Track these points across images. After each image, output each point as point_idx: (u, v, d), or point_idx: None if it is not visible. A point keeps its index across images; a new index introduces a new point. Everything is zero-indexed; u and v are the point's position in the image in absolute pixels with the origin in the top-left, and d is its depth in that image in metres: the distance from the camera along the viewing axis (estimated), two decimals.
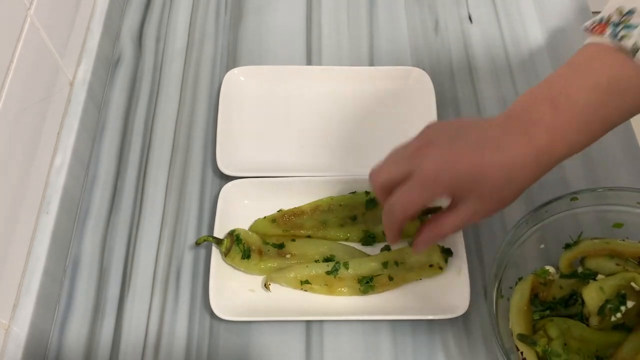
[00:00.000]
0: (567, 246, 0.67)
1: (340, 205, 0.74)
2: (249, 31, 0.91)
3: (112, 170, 0.79)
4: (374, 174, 0.62)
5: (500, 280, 0.63)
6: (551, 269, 0.67)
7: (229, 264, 0.70)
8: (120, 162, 0.80)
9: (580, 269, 0.67)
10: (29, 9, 0.68)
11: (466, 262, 0.69)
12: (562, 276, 0.67)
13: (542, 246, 0.67)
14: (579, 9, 0.92)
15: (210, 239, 0.70)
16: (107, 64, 0.87)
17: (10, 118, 0.64)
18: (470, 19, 0.91)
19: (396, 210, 0.60)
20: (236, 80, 0.83)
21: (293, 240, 0.73)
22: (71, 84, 0.79)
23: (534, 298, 0.66)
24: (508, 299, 0.64)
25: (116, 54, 0.89)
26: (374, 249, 0.73)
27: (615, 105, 0.55)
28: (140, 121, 0.83)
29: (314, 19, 0.92)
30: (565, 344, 0.61)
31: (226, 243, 0.70)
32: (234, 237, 0.70)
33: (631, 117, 0.58)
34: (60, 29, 0.76)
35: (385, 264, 0.69)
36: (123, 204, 0.77)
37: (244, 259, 0.70)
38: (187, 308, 0.70)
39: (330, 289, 0.69)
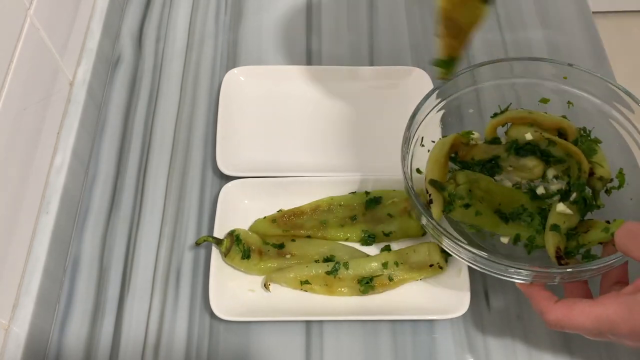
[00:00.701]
0: (495, 115, 0.72)
1: (340, 205, 0.74)
2: (249, 31, 0.91)
3: (112, 170, 0.79)
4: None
5: (422, 136, 0.68)
6: (476, 134, 0.72)
7: (228, 264, 0.70)
8: (120, 162, 0.80)
9: (504, 140, 0.72)
10: (28, 9, 0.68)
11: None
12: (486, 142, 0.72)
13: (471, 111, 0.73)
14: (579, 9, 0.92)
15: (210, 239, 0.70)
16: (107, 64, 0.87)
17: (10, 118, 0.64)
18: None
19: (570, 325, 0.56)
20: (236, 80, 0.83)
21: (293, 240, 0.73)
22: (71, 84, 0.79)
23: (455, 156, 0.71)
24: (428, 150, 0.69)
25: (116, 54, 0.89)
26: (374, 249, 0.73)
27: None
28: (140, 121, 0.83)
29: (314, 19, 0.92)
30: (470, 191, 0.66)
31: (226, 243, 0.70)
32: (234, 237, 0.70)
33: None
34: (60, 29, 0.76)
35: (385, 264, 0.69)
36: (123, 204, 0.77)
37: (243, 259, 0.70)
38: (187, 308, 0.70)
39: (330, 289, 0.69)
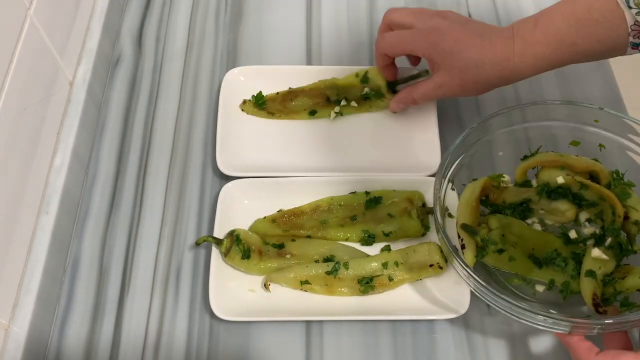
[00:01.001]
0: (525, 157, 0.72)
1: (340, 205, 0.74)
2: (249, 31, 0.91)
3: (112, 170, 0.79)
4: (390, 9, 0.75)
5: (453, 178, 0.69)
6: (506, 177, 0.72)
7: (229, 264, 0.70)
8: (120, 162, 0.80)
9: (534, 182, 0.71)
10: (28, 9, 0.68)
11: None
12: (517, 185, 0.72)
13: (501, 153, 0.73)
14: None
15: (210, 239, 0.70)
16: (107, 64, 0.87)
17: (10, 118, 0.64)
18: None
19: (383, 42, 0.74)
20: (236, 80, 0.83)
21: (293, 240, 0.73)
22: (71, 84, 0.79)
23: (485, 199, 0.70)
24: (459, 194, 0.69)
25: (116, 53, 0.89)
26: (374, 249, 0.73)
27: (586, 33, 0.63)
28: (140, 121, 0.83)
29: (314, 19, 0.92)
30: (503, 236, 0.66)
31: (226, 243, 0.70)
32: (234, 237, 0.70)
33: (602, 53, 0.65)
34: (60, 29, 0.76)
35: (385, 264, 0.69)
36: (123, 204, 0.77)
37: (243, 259, 0.70)
38: (187, 308, 0.70)
39: (330, 289, 0.69)
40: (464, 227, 0.66)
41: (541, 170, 0.71)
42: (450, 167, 0.68)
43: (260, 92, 0.82)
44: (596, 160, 0.70)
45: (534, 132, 0.73)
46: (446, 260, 0.69)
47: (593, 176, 0.70)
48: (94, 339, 0.69)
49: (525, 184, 0.71)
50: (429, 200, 0.74)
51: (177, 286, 0.71)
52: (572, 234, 0.68)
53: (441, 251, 0.69)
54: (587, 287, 0.62)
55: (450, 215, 0.68)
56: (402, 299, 0.69)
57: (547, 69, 0.67)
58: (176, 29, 0.91)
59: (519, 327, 0.68)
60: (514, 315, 0.60)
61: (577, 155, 0.70)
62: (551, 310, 0.57)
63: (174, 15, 0.92)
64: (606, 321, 0.57)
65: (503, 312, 0.61)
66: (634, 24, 0.61)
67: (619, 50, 0.64)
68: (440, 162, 0.68)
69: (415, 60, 0.79)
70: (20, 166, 0.66)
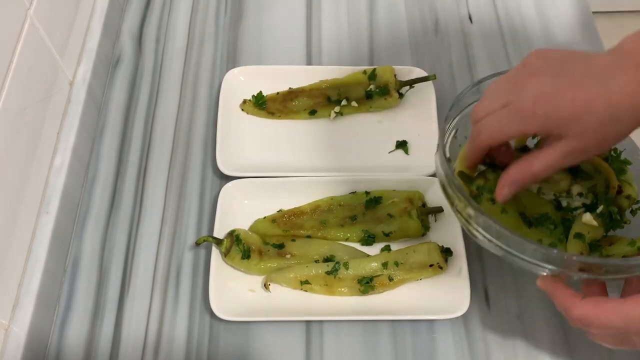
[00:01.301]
0: None
1: (340, 205, 0.74)
2: (249, 31, 0.91)
3: (112, 170, 0.79)
4: (476, 107, 0.59)
5: (457, 128, 0.67)
6: None
7: (229, 264, 0.70)
8: (120, 162, 0.80)
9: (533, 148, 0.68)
10: (28, 9, 0.68)
11: (466, 262, 0.69)
12: (515, 149, 0.68)
13: None
14: (579, 9, 0.92)
15: (210, 239, 0.70)
16: (107, 64, 0.87)
17: (10, 118, 0.64)
18: (470, 18, 0.91)
19: (483, 133, 0.58)
20: (236, 80, 0.83)
21: (293, 240, 0.73)
22: (71, 84, 0.79)
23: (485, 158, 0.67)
24: (460, 145, 0.67)
25: (116, 54, 0.89)
26: (374, 249, 0.73)
27: None
28: (140, 121, 0.83)
29: (314, 19, 0.92)
30: None
31: (226, 243, 0.70)
32: (234, 237, 0.70)
33: None
34: (60, 29, 0.76)
35: (385, 264, 0.69)
36: (123, 204, 0.77)
37: (243, 259, 0.70)
38: (187, 308, 0.70)
39: (330, 289, 0.69)
40: (461, 174, 0.66)
41: (541, 138, 0.69)
42: (456, 115, 0.67)
43: (260, 92, 0.82)
44: None
45: None
46: (446, 260, 0.69)
47: None
48: (94, 339, 0.69)
49: (524, 149, 0.70)
50: (429, 200, 0.74)
51: (177, 286, 0.71)
52: (564, 203, 0.68)
53: (441, 251, 0.69)
54: (575, 247, 0.63)
55: (449, 160, 0.66)
56: (402, 299, 0.69)
57: None
58: (176, 29, 0.91)
59: (519, 327, 0.68)
60: (505, 248, 0.58)
61: None
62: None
63: (174, 15, 0.92)
64: (601, 260, 0.57)
65: (494, 244, 0.59)
66: None
67: None
68: (449, 108, 0.65)
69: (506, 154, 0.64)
70: (20, 166, 0.66)
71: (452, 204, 0.63)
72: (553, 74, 0.54)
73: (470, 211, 0.60)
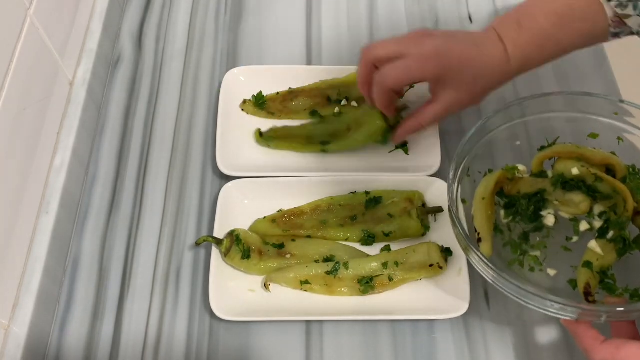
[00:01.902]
0: (542, 148, 0.72)
1: (340, 205, 0.74)
2: (249, 31, 0.91)
3: (112, 170, 0.79)
4: (366, 48, 0.70)
5: (469, 166, 0.69)
6: (522, 167, 0.72)
7: (229, 264, 0.70)
8: (120, 162, 0.80)
9: (550, 173, 0.71)
10: (29, 9, 0.68)
11: (466, 262, 0.69)
12: (533, 175, 0.72)
13: (518, 143, 0.73)
14: None
15: (210, 239, 0.70)
16: (107, 64, 0.87)
17: (10, 118, 0.64)
18: (470, 18, 0.91)
19: (388, 78, 0.69)
20: (236, 80, 0.83)
21: (293, 240, 0.73)
22: (71, 84, 0.79)
23: (500, 192, 0.71)
24: (475, 181, 0.70)
25: (116, 54, 0.89)
26: (374, 249, 0.73)
27: (569, 30, 0.66)
28: (140, 121, 0.83)
29: (314, 19, 0.92)
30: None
31: (226, 243, 0.70)
32: (234, 237, 0.70)
33: (584, 45, 0.68)
34: (60, 29, 0.76)
35: (385, 264, 0.69)
36: (123, 204, 0.77)
37: (243, 259, 0.70)
38: (187, 308, 0.70)
39: (330, 289, 0.69)
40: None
41: (557, 161, 0.71)
42: (467, 154, 0.69)
43: (260, 92, 0.82)
44: (613, 153, 0.70)
45: (552, 123, 0.72)
46: (446, 260, 0.69)
47: (609, 169, 0.69)
48: (94, 339, 0.69)
49: (541, 174, 0.71)
50: (429, 200, 0.74)
51: (177, 286, 0.71)
52: (584, 225, 0.68)
53: (441, 251, 0.69)
54: (582, 277, 0.63)
55: (464, 202, 0.68)
56: (402, 299, 0.69)
57: (533, 68, 0.69)
58: (176, 29, 0.91)
59: (519, 327, 0.68)
60: (523, 300, 0.60)
61: (594, 148, 0.70)
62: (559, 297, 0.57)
63: (174, 15, 0.92)
64: (612, 308, 0.57)
65: (513, 297, 0.60)
66: (614, 16, 0.64)
67: (599, 40, 0.67)
68: (457, 149, 0.68)
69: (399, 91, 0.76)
70: (20, 166, 0.66)
71: (466, 255, 0.65)
72: (443, 36, 0.68)
73: (490, 271, 0.61)
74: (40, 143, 0.71)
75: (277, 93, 0.82)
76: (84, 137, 0.78)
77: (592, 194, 0.68)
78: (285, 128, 0.79)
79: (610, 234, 0.65)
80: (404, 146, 0.78)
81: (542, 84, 0.84)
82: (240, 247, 0.70)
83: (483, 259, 0.61)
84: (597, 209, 0.68)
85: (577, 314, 0.58)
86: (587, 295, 0.61)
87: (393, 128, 0.75)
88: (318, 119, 0.80)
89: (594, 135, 0.71)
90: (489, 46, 0.67)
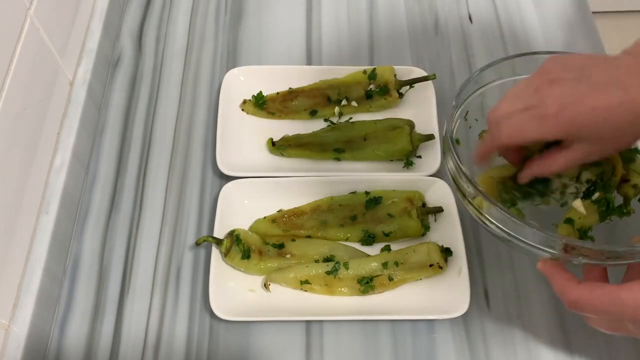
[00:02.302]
0: None
1: (340, 205, 0.74)
2: (249, 31, 0.91)
3: (112, 170, 0.79)
4: (492, 109, 0.60)
5: (467, 110, 0.68)
6: None
7: (229, 264, 0.70)
8: (120, 162, 0.80)
9: None
10: (29, 9, 0.68)
11: (466, 262, 0.69)
12: None
13: None
14: (579, 9, 0.92)
15: (210, 239, 0.70)
16: (107, 64, 0.87)
17: (10, 118, 0.64)
18: (470, 18, 0.91)
19: (504, 132, 0.58)
20: (236, 80, 0.83)
21: (293, 240, 0.73)
22: (71, 84, 0.79)
23: None
24: (470, 127, 0.68)
25: (116, 54, 0.89)
26: (374, 249, 0.73)
27: None
28: (140, 121, 0.83)
29: (314, 19, 0.92)
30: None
31: (226, 243, 0.70)
32: (234, 237, 0.70)
33: None
34: (60, 29, 0.76)
35: (385, 264, 0.69)
36: (123, 204, 0.77)
37: (243, 259, 0.70)
38: (187, 308, 0.70)
39: (330, 289, 0.69)
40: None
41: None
42: (465, 99, 0.68)
43: (261, 92, 0.82)
44: None
45: None
46: (446, 260, 0.69)
47: None
48: (94, 339, 0.69)
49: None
50: (429, 200, 0.74)
51: (177, 286, 0.71)
52: (571, 190, 0.67)
53: (441, 251, 0.69)
54: (562, 232, 0.63)
55: (458, 142, 0.66)
56: (402, 299, 0.69)
57: None
58: (176, 29, 0.91)
59: (519, 327, 0.68)
60: (505, 230, 0.59)
61: None
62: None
63: (174, 15, 0.92)
64: (594, 246, 0.57)
65: (495, 227, 0.60)
66: None
67: None
68: (459, 88, 0.67)
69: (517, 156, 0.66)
70: (20, 166, 0.66)
71: (459, 189, 0.64)
72: (574, 79, 0.55)
73: (471, 189, 0.61)
74: (40, 143, 0.71)
75: (277, 93, 0.82)
76: (84, 137, 0.78)
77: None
78: (297, 136, 0.79)
79: (596, 195, 0.65)
80: (411, 163, 0.77)
81: None
82: (240, 247, 0.70)
83: (476, 185, 0.60)
84: (585, 175, 0.67)
85: (560, 250, 0.57)
86: (566, 248, 0.60)
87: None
88: (330, 126, 0.80)
89: None
90: (634, 81, 0.53)
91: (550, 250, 0.58)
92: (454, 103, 0.66)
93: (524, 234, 0.59)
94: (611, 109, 0.53)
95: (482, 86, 0.69)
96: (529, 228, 0.58)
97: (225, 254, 0.70)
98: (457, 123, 0.67)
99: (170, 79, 0.86)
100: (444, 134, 0.65)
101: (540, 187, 0.68)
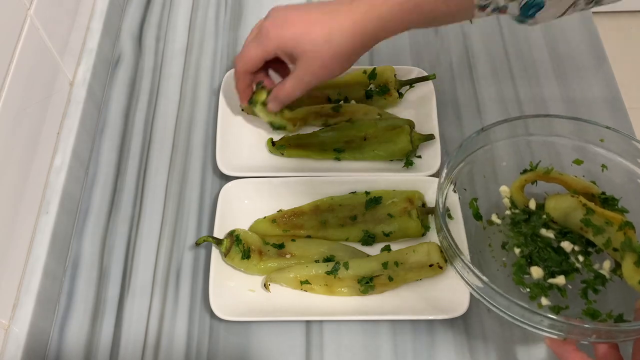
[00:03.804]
0: (525, 171, 0.72)
1: (340, 205, 0.74)
2: (249, 31, 0.90)
3: (112, 170, 0.79)
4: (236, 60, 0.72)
5: (455, 180, 0.69)
6: (504, 187, 0.72)
7: (229, 264, 0.70)
8: (120, 162, 0.80)
9: (532, 203, 0.70)
10: (29, 9, 0.68)
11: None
12: (513, 207, 0.71)
13: (504, 164, 0.72)
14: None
15: (210, 239, 0.70)
16: (107, 64, 0.87)
17: (10, 118, 0.64)
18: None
19: (237, 63, 0.71)
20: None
21: (293, 240, 0.73)
22: (71, 84, 0.79)
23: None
24: (460, 198, 0.69)
25: (116, 53, 0.89)
26: (374, 249, 0.73)
27: None
28: (140, 121, 0.83)
29: None
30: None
31: (226, 243, 0.70)
32: (234, 237, 0.70)
33: (449, 13, 0.63)
34: (60, 29, 0.76)
35: (385, 264, 0.69)
36: (123, 204, 0.77)
37: (243, 259, 0.70)
38: (187, 308, 0.70)
39: (330, 289, 0.69)
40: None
41: (548, 199, 0.69)
42: (454, 169, 0.68)
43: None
44: (593, 182, 0.70)
45: (537, 145, 0.71)
46: (446, 261, 0.69)
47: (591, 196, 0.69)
48: (94, 339, 0.69)
49: (525, 211, 0.70)
50: (429, 200, 0.74)
51: (177, 286, 0.71)
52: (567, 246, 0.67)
53: (441, 251, 0.69)
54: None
55: (450, 217, 0.68)
56: (402, 299, 0.69)
57: (396, 32, 0.66)
58: (176, 29, 0.91)
59: (519, 328, 0.68)
60: (512, 316, 0.59)
61: (575, 176, 0.70)
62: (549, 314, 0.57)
63: (174, 15, 0.92)
64: (601, 326, 0.57)
65: (502, 312, 0.60)
66: None
67: (466, 11, 0.62)
68: (444, 163, 0.67)
69: (284, 69, 0.74)
70: (20, 166, 0.66)
71: (452, 263, 0.64)
72: (291, 9, 0.67)
73: (477, 281, 0.60)
74: (40, 143, 0.71)
75: None
76: (84, 137, 0.78)
77: (583, 246, 0.67)
78: (297, 136, 0.79)
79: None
80: (411, 163, 0.77)
81: (542, 85, 0.84)
82: (240, 247, 0.70)
83: (470, 265, 0.60)
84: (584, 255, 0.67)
85: (565, 332, 0.57)
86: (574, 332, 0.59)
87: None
88: (330, 126, 0.80)
89: (578, 162, 0.70)
90: (338, 10, 0.65)
91: (557, 334, 0.57)
92: (441, 178, 0.66)
93: (531, 319, 0.58)
94: (309, 25, 0.65)
95: (470, 154, 0.70)
96: (540, 316, 0.57)
97: (225, 254, 0.70)
98: (447, 196, 0.68)
99: (170, 79, 0.86)
100: (435, 206, 0.65)
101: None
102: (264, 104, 0.73)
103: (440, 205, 0.65)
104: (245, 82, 0.73)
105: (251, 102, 0.74)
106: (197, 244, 0.72)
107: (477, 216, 0.71)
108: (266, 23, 0.68)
